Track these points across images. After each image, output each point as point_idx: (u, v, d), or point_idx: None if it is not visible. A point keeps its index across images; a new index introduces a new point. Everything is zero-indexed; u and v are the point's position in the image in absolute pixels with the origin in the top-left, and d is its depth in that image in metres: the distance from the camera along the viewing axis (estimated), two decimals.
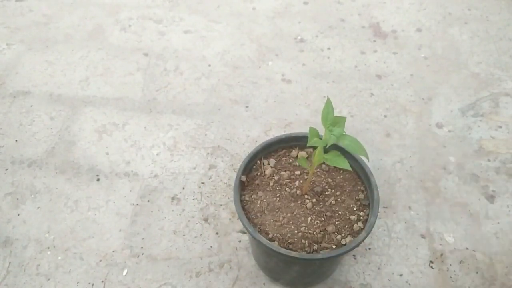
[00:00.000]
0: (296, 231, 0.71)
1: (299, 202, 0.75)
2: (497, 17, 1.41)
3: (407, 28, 1.37)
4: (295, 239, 0.71)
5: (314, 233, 0.71)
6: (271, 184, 0.77)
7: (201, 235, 0.92)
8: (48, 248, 0.91)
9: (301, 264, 0.73)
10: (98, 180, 1.01)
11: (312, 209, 0.74)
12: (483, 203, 0.98)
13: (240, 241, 0.91)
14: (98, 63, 1.26)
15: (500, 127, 1.12)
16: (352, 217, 0.73)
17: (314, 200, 0.75)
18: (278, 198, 0.75)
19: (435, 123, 1.13)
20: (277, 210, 0.74)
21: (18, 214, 0.95)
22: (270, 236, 0.71)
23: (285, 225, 0.72)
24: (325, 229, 0.72)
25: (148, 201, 0.97)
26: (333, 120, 0.66)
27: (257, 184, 0.77)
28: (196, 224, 0.94)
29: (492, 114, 1.15)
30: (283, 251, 0.68)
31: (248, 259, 0.89)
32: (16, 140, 1.08)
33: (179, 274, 0.87)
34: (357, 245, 0.70)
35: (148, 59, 1.27)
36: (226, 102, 1.17)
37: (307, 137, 0.68)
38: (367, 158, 0.67)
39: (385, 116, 1.14)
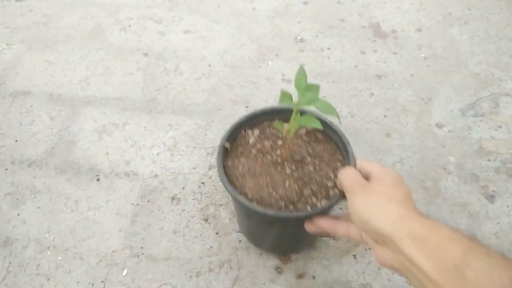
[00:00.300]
0: (274, 194, 0.76)
1: (279, 168, 0.79)
2: (497, 17, 1.41)
3: (407, 28, 1.37)
4: (273, 201, 0.75)
5: (291, 196, 0.75)
6: (253, 152, 0.82)
7: (201, 235, 0.92)
8: (48, 248, 0.91)
9: (277, 224, 0.78)
10: (98, 180, 1.01)
11: (290, 175, 0.78)
12: (483, 203, 0.98)
13: (240, 241, 0.91)
14: (98, 63, 1.26)
15: (500, 127, 1.12)
16: (329, 183, 0.77)
17: (293, 167, 0.79)
18: (259, 165, 0.79)
19: (435, 123, 1.13)
20: (258, 175, 0.78)
21: (18, 214, 0.95)
22: (249, 197, 0.76)
23: (264, 188, 0.76)
24: (302, 192, 0.76)
25: (148, 201, 0.97)
26: (306, 86, 0.71)
27: (240, 152, 0.82)
28: (196, 224, 0.94)
29: (492, 114, 1.15)
30: (259, 209, 0.73)
31: (248, 259, 0.89)
32: (16, 140, 1.08)
33: (179, 274, 0.87)
34: (331, 207, 0.74)
35: (148, 59, 1.27)
36: (226, 102, 1.17)
37: (291, 110, 0.73)
38: (339, 120, 0.71)
39: (385, 116, 1.14)
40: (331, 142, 0.84)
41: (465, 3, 1.46)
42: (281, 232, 0.82)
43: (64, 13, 1.41)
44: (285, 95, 0.72)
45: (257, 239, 0.89)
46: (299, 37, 1.34)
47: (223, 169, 0.78)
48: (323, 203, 0.74)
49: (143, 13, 1.41)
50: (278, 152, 0.81)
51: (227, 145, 0.82)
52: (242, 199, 0.74)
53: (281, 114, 0.85)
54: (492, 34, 1.35)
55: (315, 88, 0.72)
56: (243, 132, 0.85)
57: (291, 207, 0.75)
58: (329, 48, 1.31)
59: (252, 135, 0.84)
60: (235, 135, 0.84)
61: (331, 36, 1.34)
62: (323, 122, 0.81)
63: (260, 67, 1.26)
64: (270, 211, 0.72)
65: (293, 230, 0.81)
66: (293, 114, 0.73)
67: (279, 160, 0.80)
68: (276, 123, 0.76)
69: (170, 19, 1.39)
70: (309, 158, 0.81)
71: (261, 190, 0.76)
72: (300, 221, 0.75)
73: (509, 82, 1.22)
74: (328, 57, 1.28)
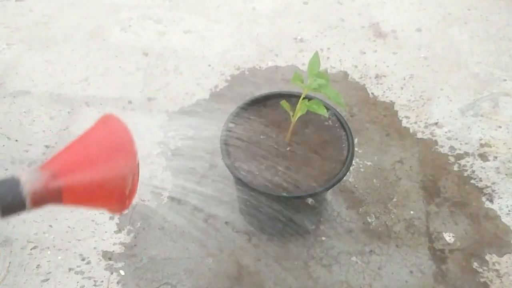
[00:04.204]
0: (270, 173, 0.79)
1: (278, 150, 0.83)
2: (497, 17, 1.41)
3: (407, 28, 1.37)
4: (267, 180, 0.78)
5: (286, 177, 0.78)
6: (256, 133, 0.85)
7: (201, 235, 0.92)
8: (48, 247, 0.91)
9: (267, 203, 0.81)
10: None
11: (290, 157, 0.82)
12: (483, 203, 0.98)
13: (240, 241, 0.91)
14: (98, 63, 1.26)
15: (500, 127, 1.12)
16: (326, 168, 0.80)
17: (294, 149, 0.83)
18: (260, 145, 0.83)
19: (435, 123, 1.13)
20: (257, 154, 0.82)
21: (18, 214, 0.95)
22: (245, 174, 0.79)
23: (261, 168, 0.80)
24: (297, 175, 0.79)
25: (148, 200, 0.97)
26: (318, 73, 0.74)
27: (243, 133, 0.86)
28: (196, 224, 0.94)
29: (491, 114, 1.15)
30: (251, 184, 0.76)
31: (248, 259, 0.89)
32: (16, 140, 1.08)
33: (178, 274, 0.87)
34: (314, 194, 0.77)
35: (148, 59, 1.27)
36: (225, 101, 1.17)
37: (300, 95, 0.76)
38: (344, 107, 0.75)
39: (384, 116, 1.14)
40: (334, 130, 0.87)
41: (465, 3, 1.46)
42: (274, 212, 0.84)
43: (64, 13, 1.41)
44: (297, 77, 0.74)
45: (260, 226, 0.91)
46: (299, 37, 1.34)
47: (225, 146, 0.83)
48: (316, 187, 0.77)
49: (143, 13, 1.41)
50: (280, 135, 0.85)
51: (232, 125, 0.85)
52: (236, 172, 0.77)
53: (289, 97, 0.88)
54: (492, 34, 1.35)
55: (325, 76, 0.74)
56: (248, 114, 0.89)
57: (284, 187, 0.77)
58: (329, 48, 1.31)
59: (257, 117, 0.88)
60: (239, 117, 0.88)
61: (331, 36, 1.34)
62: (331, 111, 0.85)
63: (260, 67, 1.26)
64: (255, 185, 0.75)
65: (285, 213, 0.84)
66: (300, 98, 0.75)
67: (279, 142, 0.83)
68: (283, 103, 0.79)
69: (170, 19, 1.39)
70: (313, 144, 0.84)
71: (258, 168, 0.80)
72: (291, 203, 0.78)
73: (509, 82, 1.22)
74: (328, 57, 1.28)
